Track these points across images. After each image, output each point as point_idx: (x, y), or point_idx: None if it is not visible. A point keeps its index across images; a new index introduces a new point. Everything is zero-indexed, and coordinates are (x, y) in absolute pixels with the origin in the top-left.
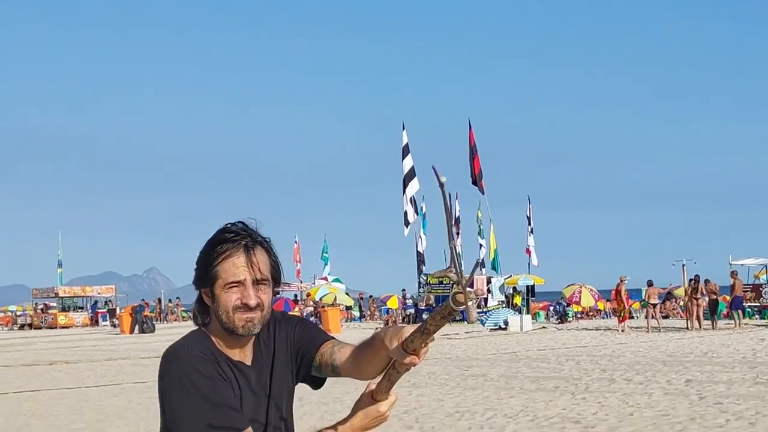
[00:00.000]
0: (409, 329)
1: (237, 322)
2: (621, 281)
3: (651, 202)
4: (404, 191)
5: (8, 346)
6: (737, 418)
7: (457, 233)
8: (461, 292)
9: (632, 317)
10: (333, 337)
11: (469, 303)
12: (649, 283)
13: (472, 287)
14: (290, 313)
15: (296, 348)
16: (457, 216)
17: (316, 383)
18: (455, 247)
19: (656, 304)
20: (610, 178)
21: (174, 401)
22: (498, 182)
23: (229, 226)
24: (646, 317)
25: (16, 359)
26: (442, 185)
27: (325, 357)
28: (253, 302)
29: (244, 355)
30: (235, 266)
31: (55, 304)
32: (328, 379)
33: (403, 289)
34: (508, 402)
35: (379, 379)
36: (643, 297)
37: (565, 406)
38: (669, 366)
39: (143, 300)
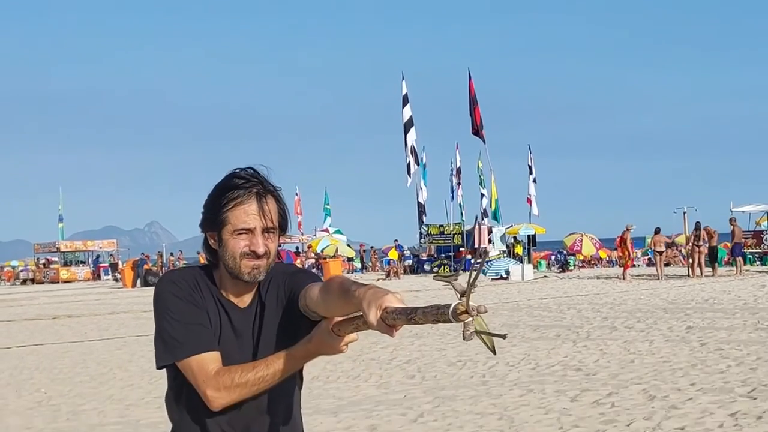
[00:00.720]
0: (390, 299)
1: (243, 269)
2: (627, 230)
3: (652, 150)
4: (405, 142)
5: (11, 301)
6: (738, 364)
7: (458, 184)
8: (465, 312)
9: (634, 265)
10: (315, 280)
11: (468, 320)
12: (656, 231)
13: (470, 239)
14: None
15: (288, 300)
16: (458, 167)
17: None
18: (478, 269)
19: (662, 252)
20: (611, 127)
21: (155, 322)
22: (499, 131)
23: (239, 171)
24: (654, 264)
25: (19, 314)
26: (504, 336)
27: (302, 302)
28: (261, 250)
29: (241, 298)
30: (247, 214)
31: (56, 259)
32: None
33: (396, 240)
34: (509, 351)
35: (342, 318)
36: (646, 245)
37: (566, 354)
38: (670, 313)
39: (143, 254)
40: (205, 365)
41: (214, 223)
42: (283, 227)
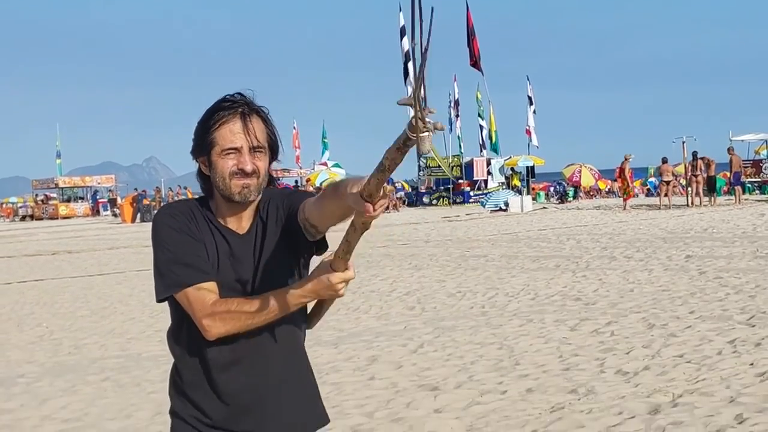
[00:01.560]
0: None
1: (233, 189)
2: (625, 159)
3: (651, 79)
4: (405, 74)
5: (10, 237)
6: (737, 292)
7: (457, 116)
8: (421, 119)
9: (636, 195)
10: (314, 195)
11: (425, 133)
12: (664, 161)
13: (472, 170)
14: None
15: (287, 218)
16: (456, 99)
17: (318, 248)
18: (422, 72)
19: (669, 182)
20: (609, 56)
21: (153, 253)
22: (498, 62)
23: (227, 96)
24: (659, 194)
25: (19, 250)
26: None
27: (300, 215)
28: (248, 168)
29: (239, 224)
30: (232, 133)
31: (55, 195)
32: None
33: None
34: (509, 281)
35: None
36: (648, 175)
37: (566, 284)
38: (669, 242)
39: (135, 189)
40: (201, 295)
41: (202, 146)
42: (273, 148)
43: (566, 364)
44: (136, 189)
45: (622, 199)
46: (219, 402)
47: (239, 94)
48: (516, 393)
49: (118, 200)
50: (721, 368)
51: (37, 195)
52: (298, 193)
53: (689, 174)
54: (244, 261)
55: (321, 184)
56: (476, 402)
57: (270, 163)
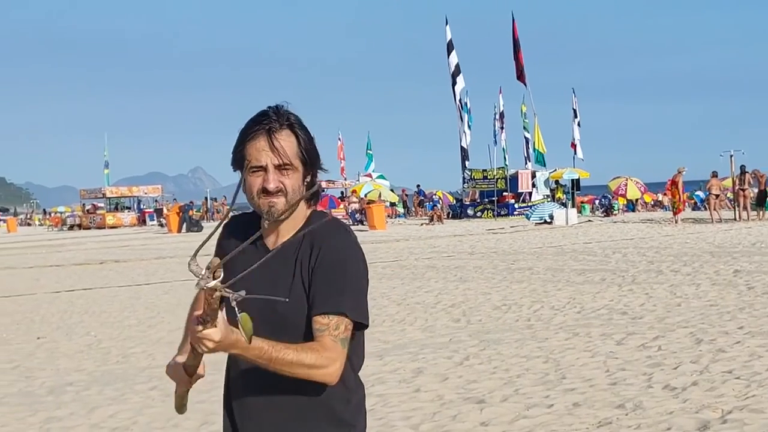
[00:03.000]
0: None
1: (262, 207)
2: (679, 172)
3: (699, 93)
4: (453, 88)
5: (59, 246)
6: None
7: (502, 128)
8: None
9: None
10: (333, 295)
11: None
12: (713, 174)
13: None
14: (334, 211)
15: (309, 283)
16: (501, 111)
17: None
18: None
19: (718, 195)
20: (656, 69)
21: None
22: (543, 74)
23: (264, 109)
24: (708, 208)
25: (67, 259)
26: None
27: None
28: (271, 187)
29: (275, 240)
30: (258, 151)
31: (102, 205)
32: None
33: (418, 185)
34: (554, 294)
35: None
36: (701, 188)
37: (612, 298)
38: (717, 257)
39: (175, 199)
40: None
41: (236, 162)
42: (306, 162)
43: (613, 379)
44: (175, 199)
45: (672, 212)
46: (234, 422)
47: (276, 106)
48: (563, 407)
49: (165, 210)
50: None
51: (84, 205)
52: (325, 273)
53: (737, 188)
54: (259, 276)
55: (365, 195)
56: (522, 416)
57: (310, 175)
